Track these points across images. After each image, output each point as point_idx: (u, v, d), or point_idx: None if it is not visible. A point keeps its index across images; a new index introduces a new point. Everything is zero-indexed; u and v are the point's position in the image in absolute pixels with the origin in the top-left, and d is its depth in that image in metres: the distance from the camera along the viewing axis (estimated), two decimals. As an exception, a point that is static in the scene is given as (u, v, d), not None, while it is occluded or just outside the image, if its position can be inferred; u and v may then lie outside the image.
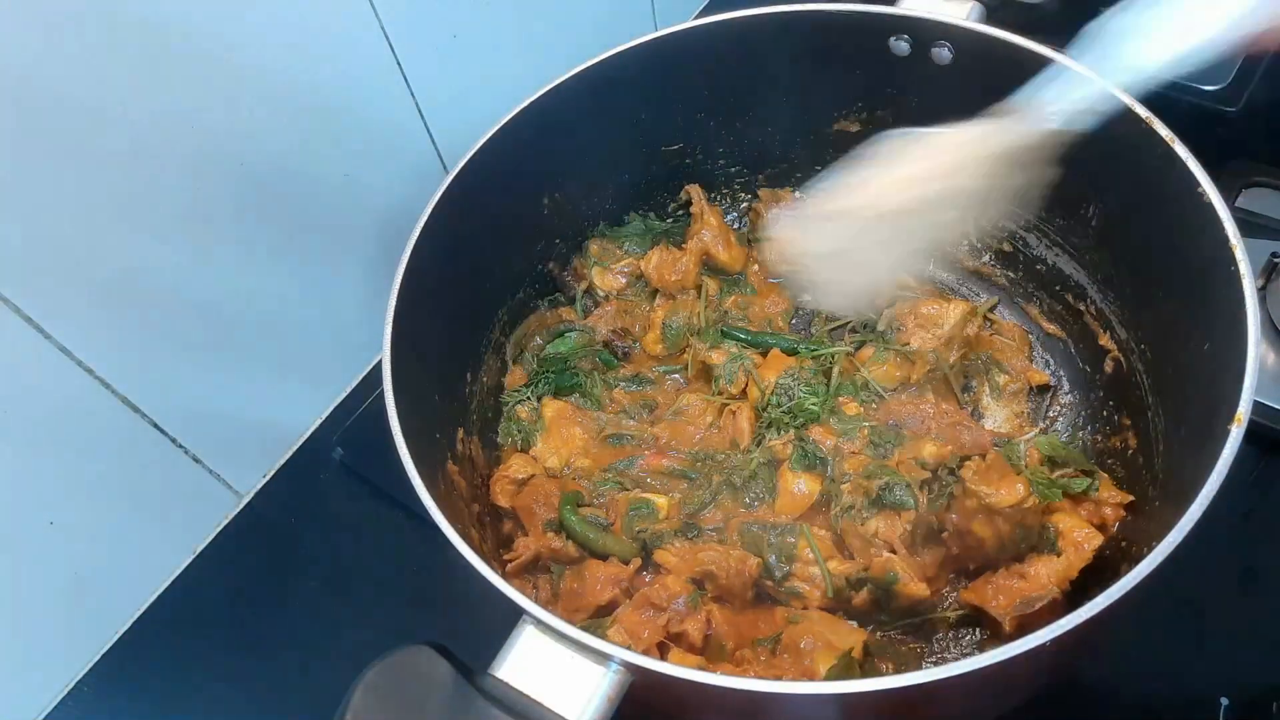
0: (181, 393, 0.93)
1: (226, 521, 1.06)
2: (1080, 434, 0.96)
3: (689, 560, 0.84)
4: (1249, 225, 1.03)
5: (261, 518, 1.07)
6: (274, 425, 1.09)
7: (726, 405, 0.98)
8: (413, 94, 1.03)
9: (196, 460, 0.99)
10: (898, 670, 0.72)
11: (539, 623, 0.60)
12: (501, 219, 0.96)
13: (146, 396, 0.90)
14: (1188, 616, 0.87)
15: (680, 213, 1.13)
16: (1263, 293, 0.99)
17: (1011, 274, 1.06)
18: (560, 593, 0.86)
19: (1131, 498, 0.82)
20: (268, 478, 1.09)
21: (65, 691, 0.96)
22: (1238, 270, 0.68)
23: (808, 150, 1.08)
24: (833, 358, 0.98)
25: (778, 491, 0.90)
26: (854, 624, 0.84)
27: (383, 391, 0.74)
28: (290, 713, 0.92)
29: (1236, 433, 0.62)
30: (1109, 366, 0.93)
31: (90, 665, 0.97)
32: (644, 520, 0.89)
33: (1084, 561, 0.78)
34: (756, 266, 1.10)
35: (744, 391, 0.98)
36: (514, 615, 0.61)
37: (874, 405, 0.96)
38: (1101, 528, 0.81)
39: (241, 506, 1.07)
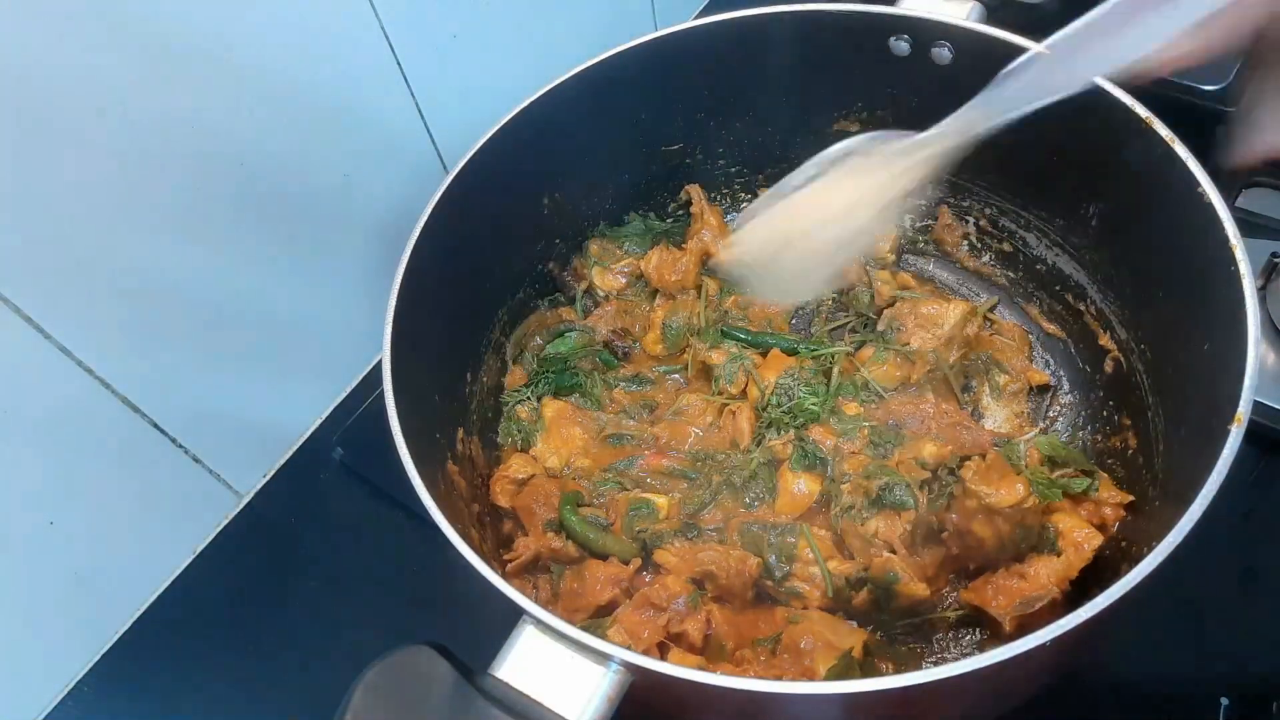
0: (181, 393, 0.93)
1: (226, 521, 1.06)
2: (1080, 434, 0.96)
3: (689, 560, 0.85)
4: (1249, 225, 1.02)
5: (261, 518, 1.07)
6: (274, 425, 1.09)
7: (726, 405, 0.98)
8: (413, 94, 1.03)
9: (196, 460, 0.99)
10: (898, 670, 0.72)
11: (539, 623, 0.60)
12: (501, 219, 0.96)
13: (146, 396, 0.90)
14: (1188, 616, 0.87)
15: (680, 213, 1.13)
16: (1263, 293, 0.99)
17: (1011, 274, 1.06)
18: (560, 593, 0.86)
19: (1131, 498, 0.82)
20: (268, 478, 1.09)
21: (65, 691, 0.96)
22: (1238, 270, 0.68)
23: (808, 150, 1.06)
24: (833, 358, 0.99)
25: (778, 491, 0.90)
26: (854, 624, 0.84)
27: (383, 391, 0.74)
28: (290, 713, 0.92)
29: (1236, 433, 0.62)
30: (1109, 366, 0.93)
31: (90, 665, 0.97)
32: (644, 520, 0.89)
33: (1084, 561, 0.78)
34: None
35: (744, 391, 0.98)
36: (514, 615, 0.61)
37: (874, 405, 0.96)
38: (1101, 528, 0.81)
39: (241, 506, 1.07)
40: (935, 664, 0.73)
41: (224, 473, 1.03)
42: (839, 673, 0.75)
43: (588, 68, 0.93)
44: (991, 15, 0.91)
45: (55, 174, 0.76)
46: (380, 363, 0.76)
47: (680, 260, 1.06)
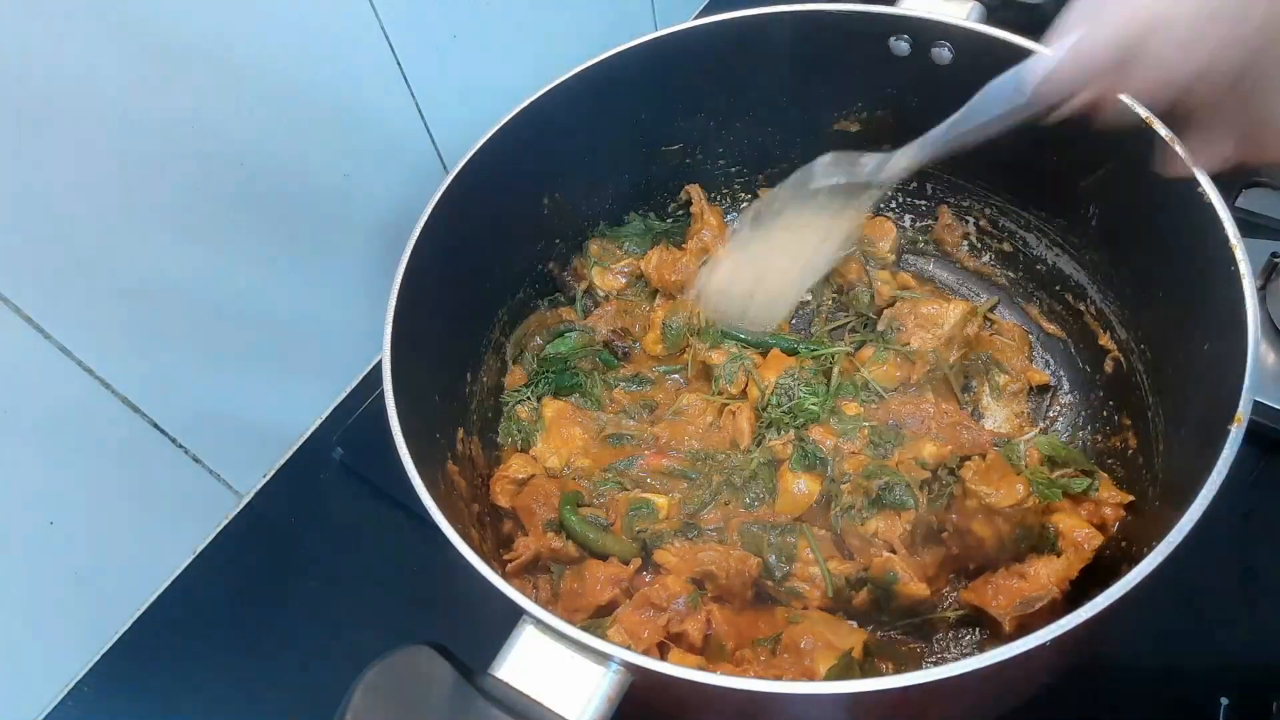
0: (181, 393, 0.93)
1: (226, 521, 1.06)
2: (1080, 434, 0.96)
3: (689, 560, 0.84)
4: (1249, 225, 1.02)
5: (261, 518, 1.07)
6: (274, 425, 1.09)
7: (726, 405, 0.98)
8: (413, 94, 1.03)
9: (196, 460, 0.99)
10: (898, 670, 0.72)
11: (539, 623, 0.60)
12: (501, 219, 0.96)
13: (146, 396, 0.90)
14: (1188, 616, 0.87)
15: (680, 213, 1.13)
16: (1263, 293, 0.99)
17: (1011, 274, 1.06)
18: (560, 593, 0.86)
19: (1131, 498, 0.82)
20: (268, 478, 1.09)
21: (65, 691, 0.96)
22: (1238, 270, 0.68)
23: (808, 150, 1.07)
24: (833, 358, 0.99)
25: (778, 491, 0.90)
26: (854, 624, 0.84)
27: (383, 391, 0.74)
28: (290, 713, 0.92)
29: (1236, 433, 0.62)
30: (1109, 366, 0.93)
31: (90, 665, 0.97)
32: (644, 520, 0.89)
33: (1084, 561, 0.78)
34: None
35: (744, 391, 0.98)
36: (514, 615, 0.61)
37: (874, 405, 0.96)
38: (1101, 528, 0.81)
39: (241, 506, 1.07)
40: (935, 664, 0.73)
41: (224, 473, 1.03)
42: (839, 673, 0.75)
43: (588, 68, 0.93)
44: (991, 15, 0.92)
45: (55, 174, 0.76)
46: (380, 363, 0.76)
47: (680, 260, 1.06)
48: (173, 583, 1.02)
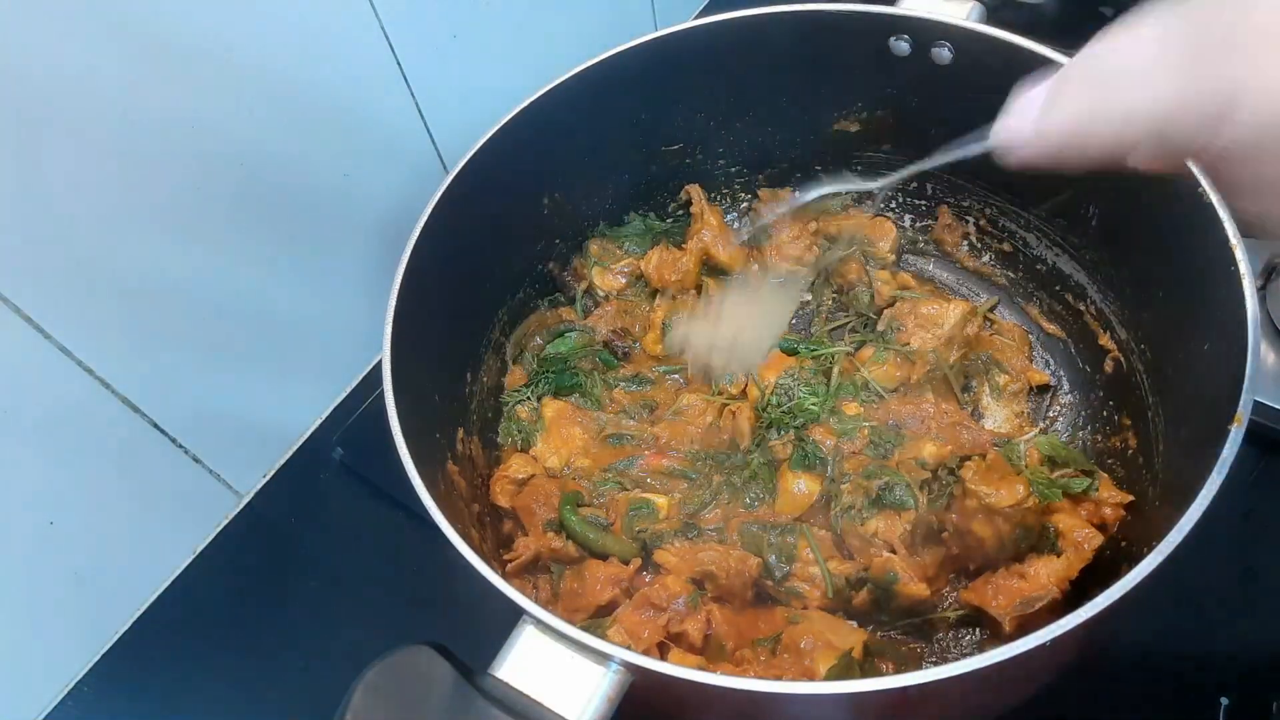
0: (181, 393, 0.93)
1: (226, 521, 1.06)
2: (1080, 434, 0.96)
3: (689, 560, 0.84)
4: (1249, 225, 1.02)
5: (261, 518, 1.07)
6: (274, 425, 1.09)
7: (726, 405, 0.98)
8: (413, 94, 1.03)
9: (196, 460, 0.99)
10: (898, 670, 0.72)
11: (539, 623, 0.60)
12: (501, 219, 0.96)
13: (146, 396, 0.90)
14: (1188, 616, 0.87)
15: (680, 213, 1.13)
16: (1263, 293, 0.99)
17: (1011, 274, 1.06)
18: (560, 593, 0.86)
19: (1131, 498, 0.82)
20: (268, 478, 1.09)
21: (65, 691, 0.96)
22: (1238, 270, 0.68)
23: (808, 150, 1.08)
24: (833, 358, 0.98)
25: (778, 491, 0.90)
26: (854, 624, 0.84)
27: (383, 391, 0.74)
28: (290, 713, 0.92)
29: (1236, 433, 0.62)
30: (1109, 366, 0.93)
31: (90, 665, 0.97)
32: (644, 520, 0.89)
33: (1084, 561, 0.78)
34: (756, 266, 1.10)
35: (744, 391, 0.98)
36: (514, 615, 0.61)
37: (874, 405, 0.96)
38: (1101, 528, 0.81)
39: (241, 506, 1.07)
40: (935, 664, 0.73)
41: (224, 473, 1.03)
42: (839, 673, 0.75)
43: (588, 68, 0.93)
44: (991, 15, 0.91)
45: (55, 174, 0.76)
46: (380, 363, 0.76)
47: (680, 260, 1.06)
48: (173, 583, 1.02)
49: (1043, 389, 0.99)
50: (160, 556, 1.01)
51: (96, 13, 0.73)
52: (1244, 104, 0.46)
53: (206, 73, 0.82)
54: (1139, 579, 0.57)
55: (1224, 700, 0.82)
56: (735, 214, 1.15)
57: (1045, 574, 0.78)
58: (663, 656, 0.78)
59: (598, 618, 0.82)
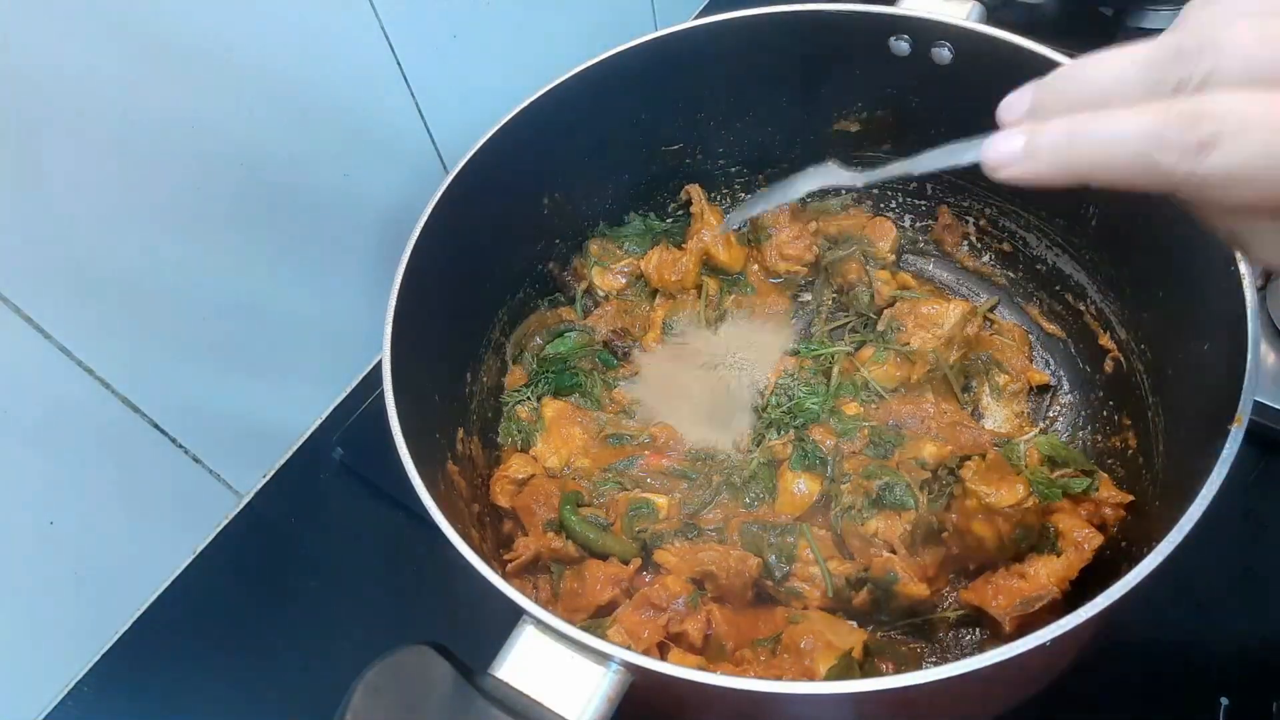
0: (181, 393, 0.93)
1: (226, 521, 1.06)
2: (1080, 434, 0.96)
3: (689, 560, 0.84)
4: (1249, 225, 1.02)
5: (261, 518, 1.07)
6: (274, 425, 1.09)
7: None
8: (413, 94, 1.03)
9: (196, 460, 0.99)
10: (898, 670, 0.72)
11: (539, 623, 0.60)
12: (501, 219, 0.96)
13: (146, 396, 0.90)
14: (1188, 616, 0.87)
15: (680, 213, 1.13)
16: (1263, 293, 0.99)
17: (1011, 274, 1.06)
18: (560, 593, 0.86)
19: (1131, 498, 0.82)
20: (268, 478, 1.09)
21: (65, 691, 0.96)
22: (1238, 270, 0.68)
23: (808, 150, 1.08)
24: (833, 358, 0.99)
25: (778, 491, 0.90)
26: (854, 624, 0.84)
27: (383, 391, 0.74)
28: (290, 713, 0.92)
29: (1236, 433, 0.62)
30: (1109, 366, 0.93)
31: (90, 665, 0.97)
32: (644, 520, 0.89)
33: (1084, 561, 0.78)
34: (756, 266, 1.10)
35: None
36: (514, 615, 0.61)
37: (874, 405, 0.96)
38: (1101, 528, 0.81)
39: (241, 506, 1.07)
40: (935, 664, 0.73)
41: (224, 473, 1.03)
42: (839, 673, 0.75)
43: (588, 68, 0.93)
44: (991, 15, 0.92)
45: (55, 174, 0.75)
46: (380, 363, 0.76)
47: (680, 260, 1.06)
48: (173, 583, 1.02)
49: (1043, 389, 0.99)
50: (160, 556, 1.01)
51: (96, 13, 0.73)
52: (1226, 132, 0.46)
53: (206, 73, 0.82)
54: (1139, 579, 0.57)
55: (1224, 700, 0.82)
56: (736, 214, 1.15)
57: (1045, 574, 0.78)
58: (663, 656, 0.78)
59: (598, 618, 0.82)
